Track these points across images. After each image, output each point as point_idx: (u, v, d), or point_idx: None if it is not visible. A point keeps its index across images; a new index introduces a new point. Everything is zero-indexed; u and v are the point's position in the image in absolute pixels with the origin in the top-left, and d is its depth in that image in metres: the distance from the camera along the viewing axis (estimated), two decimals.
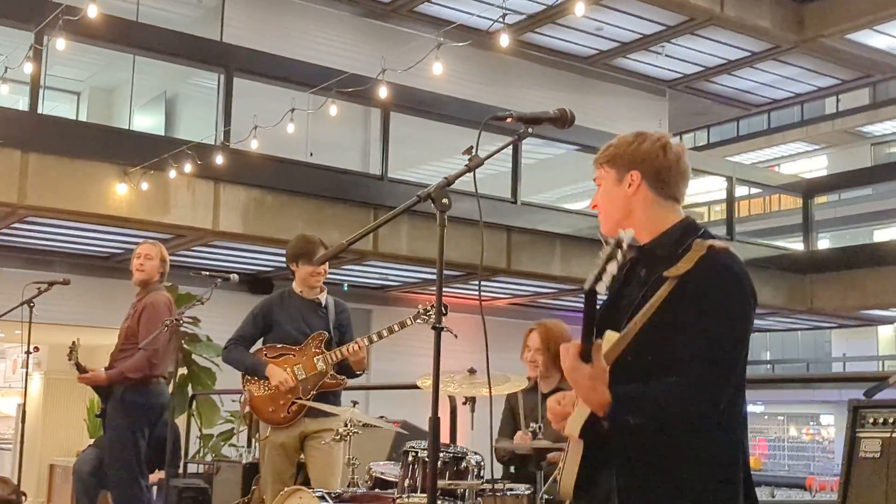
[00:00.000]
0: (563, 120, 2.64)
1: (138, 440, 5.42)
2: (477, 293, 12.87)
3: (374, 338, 4.68)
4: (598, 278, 2.04)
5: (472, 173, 2.57)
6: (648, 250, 2.38)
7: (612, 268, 2.04)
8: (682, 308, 2.19)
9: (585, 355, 2.14)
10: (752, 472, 2.32)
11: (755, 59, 15.09)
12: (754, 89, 16.62)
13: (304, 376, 4.80)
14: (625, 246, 2.06)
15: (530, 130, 2.64)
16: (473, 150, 2.63)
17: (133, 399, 5.40)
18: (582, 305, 2.18)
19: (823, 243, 16.85)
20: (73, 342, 5.61)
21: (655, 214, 2.39)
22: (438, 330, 2.47)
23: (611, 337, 2.20)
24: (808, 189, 15.77)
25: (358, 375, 4.86)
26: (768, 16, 13.74)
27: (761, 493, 21.35)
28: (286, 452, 4.92)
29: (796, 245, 15.67)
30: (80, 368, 5.52)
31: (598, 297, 2.08)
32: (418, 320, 4.54)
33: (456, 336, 3.16)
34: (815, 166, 28.60)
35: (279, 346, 4.91)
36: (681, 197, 2.43)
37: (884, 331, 27.81)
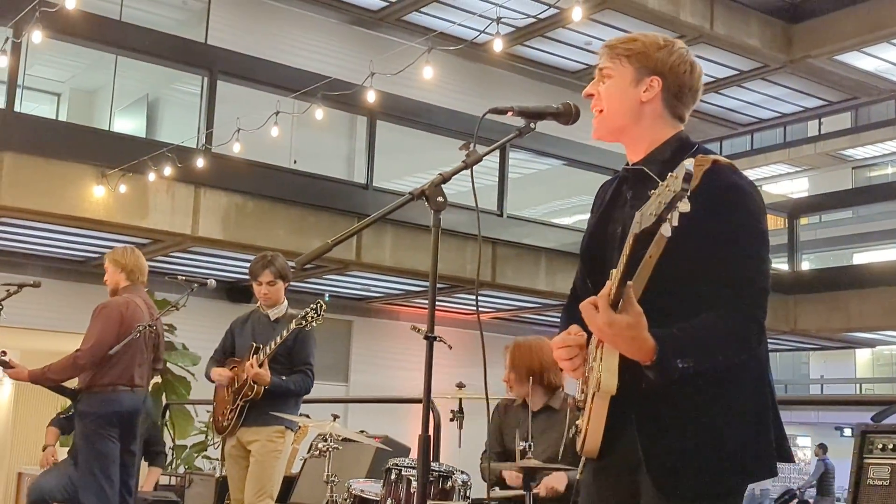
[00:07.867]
0: (567, 115, 2.44)
1: (97, 446, 5.13)
2: (460, 307, 12.68)
3: (264, 355, 4.80)
4: (662, 219, 1.69)
5: (469, 170, 2.41)
6: (637, 169, 2.17)
7: (685, 206, 1.67)
8: (699, 230, 1.90)
9: (615, 303, 1.89)
10: None
11: (743, 77, 15.05)
12: (740, 108, 16.59)
13: (235, 387, 4.99)
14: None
15: (532, 126, 2.45)
16: (471, 146, 2.46)
17: (82, 409, 5.19)
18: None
19: (804, 265, 16.82)
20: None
21: (659, 130, 2.18)
22: (431, 340, 2.27)
23: (616, 276, 1.90)
24: (794, 209, 15.78)
25: (269, 388, 4.86)
26: (757, 34, 13.70)
27: None
28: (234, 462, 5.05)
29: (780, 265, 15.60)
30: (4, 363, 5.26)
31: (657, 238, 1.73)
32: (302, 323, 4.67)
33: (451, 347, 2.96)
34: (797, 188, 28.68)
35: (237, 360, 5.07)
36: (686, 119, 2.23)
37: (861, 354, 27.86)
